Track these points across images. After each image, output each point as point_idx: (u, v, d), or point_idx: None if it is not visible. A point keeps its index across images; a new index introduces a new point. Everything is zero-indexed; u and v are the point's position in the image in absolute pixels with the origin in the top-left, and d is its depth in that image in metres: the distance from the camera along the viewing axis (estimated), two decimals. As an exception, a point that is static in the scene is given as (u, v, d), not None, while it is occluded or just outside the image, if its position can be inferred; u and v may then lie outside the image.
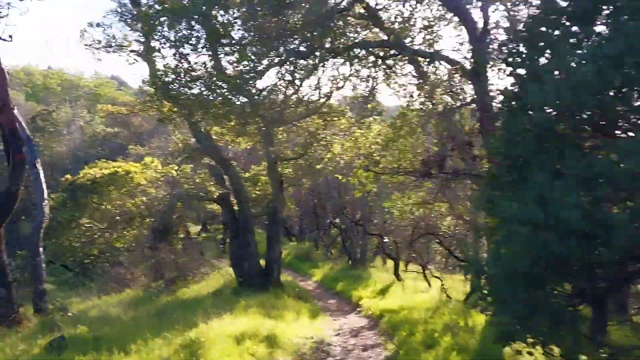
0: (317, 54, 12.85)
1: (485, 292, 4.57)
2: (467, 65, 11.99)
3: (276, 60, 12.24)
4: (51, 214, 15.66)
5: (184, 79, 10.07)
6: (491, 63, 11.53)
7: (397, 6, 12.58)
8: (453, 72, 11.43)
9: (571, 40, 3.96)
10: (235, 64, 11.10)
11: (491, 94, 10.99)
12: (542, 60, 4.37)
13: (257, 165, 19.63)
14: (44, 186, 12.41)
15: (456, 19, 12.40)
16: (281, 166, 17.24)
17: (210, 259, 20.79)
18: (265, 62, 11.25)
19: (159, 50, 11.50)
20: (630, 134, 4.11)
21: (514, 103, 4.91)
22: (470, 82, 11.58)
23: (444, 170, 8.53)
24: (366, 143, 13.85)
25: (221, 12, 10.52)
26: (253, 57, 10.40)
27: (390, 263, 21.67)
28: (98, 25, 15.31)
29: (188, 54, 11.39)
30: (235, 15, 11.13)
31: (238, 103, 12.28)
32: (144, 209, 14.47)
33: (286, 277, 18.76)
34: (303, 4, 11.09)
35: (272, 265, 14.65)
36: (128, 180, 15.85)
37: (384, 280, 16.78)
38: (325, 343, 9.70)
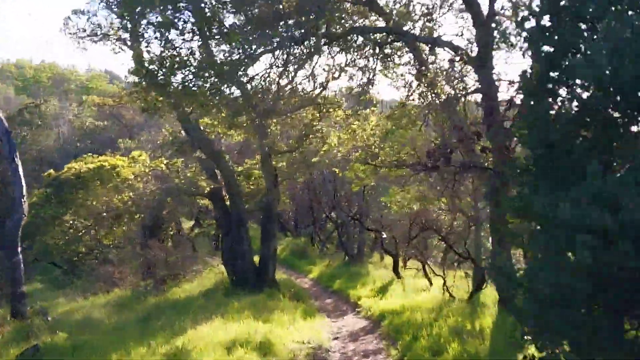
0: (312, 40, 12.15)
1: (527, 319, 3.82)
2: (471, 52, 11.37)
3: (268, 46, 11.55)
4: (33, 211, 14.96)
5: (169, 66, 9.33)
6: (498, 46, 10.88)
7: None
8: (456, 59, 10.74)
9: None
10: (225, 50, 10.39)
11: (499, 82, 10.38)
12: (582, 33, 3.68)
13: (250, 158, 18.90)
14: (23, 181, 11.66)
15: (459, 2, 11.72)
16: (275, 159, 16.54)
17: (203, 256, 20.09)
18: (256, 47, 10.54)
19: (143, 36, 10.76)
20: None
21: (542, 83, 4.22)
22: (474, 70, 10.92)
23: (451, 163, 7.88)
24: (364, 135, 13.16)
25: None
26: (243, 41, 9.64)
27: (388, 259, 21.09)
28: (82, 12, 14.53)
29: (174, 40, 10.69)
30: (225, -2, 10.40)
31: (228, 92, 11.59)
32: (131, 204, 13.74)
33: (281, 275, 18.12)
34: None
35: (267, 263, 13.99)
36: (114, 175, 15.11)
37: (383, 277, 16.16)
38: (323, 349, 9.07)
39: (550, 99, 4.31)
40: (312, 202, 27.48)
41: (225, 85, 10.19)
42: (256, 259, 14.74)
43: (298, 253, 23.98)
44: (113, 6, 14.16)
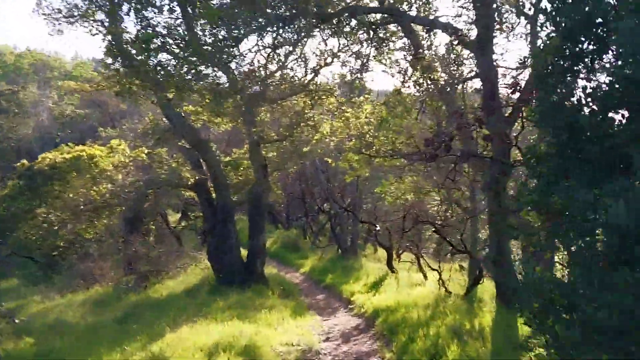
0: (302, 21, 11.40)
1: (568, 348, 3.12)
2: (469, 35, 10.69)
3: (254, 26, 10.76)
4: (5, 204, 14.16)
5: (145, 46, 8.54)
6: (500, 27, 10.22)
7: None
8: (454, 41, 10.05)
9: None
10: (207, 30, 9.60)
11: (498, 68, 9.72)
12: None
13: (239, 148, 18.13)
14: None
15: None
16: (265, 149, 15.81)
17: (190, 250, 19.35)
18: (241, 27, 9.76)
19: (119, 14, 9.94)
20: None
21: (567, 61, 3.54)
22: (473, 53, 10.24)
23: (452, 152, 7.23)
24: (357, 123, 12.46)
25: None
26: (226, 20, 8.86)
27: (382, 252, 20.52)
28: (57, -9, 13.62)
29: (152, 19, 9.88)
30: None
31: (211, 75, 10.81)
32: (109, 197, 12.96)
33: (271, 270, 17.47)
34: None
35: (255, 259, 13.32)
36: (92, 166, 14.29)
37: (377, 271, 15.56)
38: (313, 351, 8.44)
39: (570, 77, 3.66)
40: (304, 193, 26.84)
41: (206, 67, 9.38)
42: (245, 253, 14.08)
43: (289, 246, 23.33)
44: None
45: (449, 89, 9.65)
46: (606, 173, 2.91)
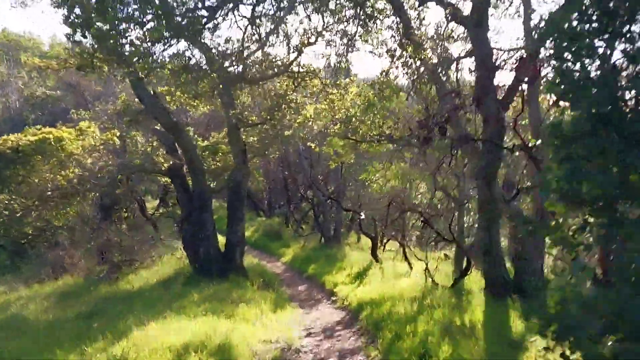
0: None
1: None
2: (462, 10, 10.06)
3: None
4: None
5: (109, 16, 7.69)
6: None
7: None
8: (448, 15, 9.42)
9: None
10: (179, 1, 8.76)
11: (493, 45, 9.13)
12: None
13: (219, 132, 17.32)
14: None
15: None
16: (245, 133, 15.05)
17: (166, 239, 18.56)
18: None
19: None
20: None
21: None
22: (468, 30, 9.63)
23: (447, 135, 6.66)
24: (343, 106, 11.79)
25: None
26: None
27: (366, 240, 20.04)
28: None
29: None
30: None
31: (185, 52, 10.02)
32: (76, 182, 12.11)
33: (252, 259, 16.84)
34: None
35: (234, 249, 12.65)
36: (59, 149, 13.37)
37: (360, 261, 15.05)
38: (292, 349, 7.86)
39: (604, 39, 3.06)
40: (287, 180, 26.17)
41: (177, 41, 8.57)
42: (223, 242, 13.39)
43: (271, 234, 22.69)
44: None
45: (440, 69, 9.05)
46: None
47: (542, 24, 3.78)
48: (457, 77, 8.76)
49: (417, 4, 10.25)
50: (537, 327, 6.67)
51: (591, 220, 2.91)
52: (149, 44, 7.88)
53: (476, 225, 17.02)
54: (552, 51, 3.46)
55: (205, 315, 8.59)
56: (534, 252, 10.27)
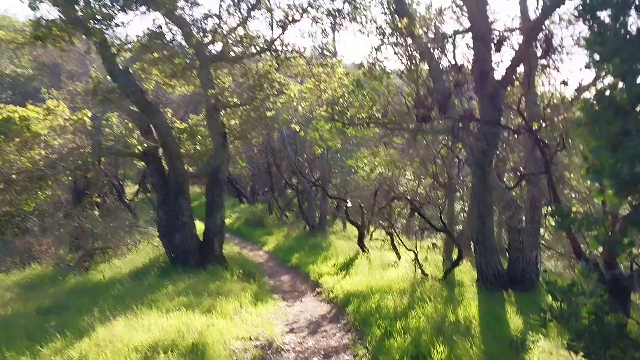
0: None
1: None
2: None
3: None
4: None
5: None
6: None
7: None
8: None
9: None
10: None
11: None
12: None
13: (198, 114, 16.44)
14: None
15: None
16: (226, 116, 14.24)
17: (145, 225, 17.73)
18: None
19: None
20: None
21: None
22: (463, 2, 8.97)
23: (448, 115, 6.02)
24: (329, 86, 11.07)
25: None
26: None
27: (351, 228, 19.50)
28: None
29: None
30: None
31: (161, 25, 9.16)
32: (42, 165, 11.20)
33: (233, 248, 16.18)
34: None
35: (212, 238, 11.93)
36: (24, 129, 12.44)
37: (347, 250, 14.50)
38: (273, 347, 7.25)
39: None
40: (271, 166, 25.42)
41: (148, 9, 7.73)
42: (202, 228, 12.65)
43: (254, 222, 21.99)
44: None
45: (435, 47, 8.38)
46: None
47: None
48: (454, 54, 8.11)
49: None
50: (537, 324, 6.13)
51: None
52: (113, 6, 7.02)
53: (465, 214, 16.59)
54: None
55: (179, 310, 7.90)
56: (529, 242, 9.80)
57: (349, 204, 15.74)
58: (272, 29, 11.51)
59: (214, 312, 8.24)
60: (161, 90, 18.08)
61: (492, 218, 9.53)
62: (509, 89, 8.11)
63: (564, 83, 5.52)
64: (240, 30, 12.63)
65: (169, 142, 11.75)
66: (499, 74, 8.29)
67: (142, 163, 15.60)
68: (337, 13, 12.36)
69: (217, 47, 13.11)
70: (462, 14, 8.78)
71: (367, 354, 6.73)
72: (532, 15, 8.36)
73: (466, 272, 11.33)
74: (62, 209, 16.90)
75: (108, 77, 12.05)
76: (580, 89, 9.57)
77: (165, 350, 6.18)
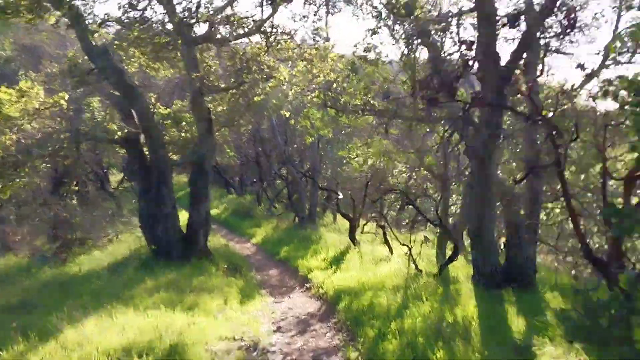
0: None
1: None
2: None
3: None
4: None
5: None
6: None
7: None
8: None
9: None
10: None
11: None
12: None
13: (183, 100, 15.75)
14: None
15: None
16: (213, 103, 13.60)
17: (129, 215, 17.07)
18: None
19: None
20: None
21: None
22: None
23: (456, 97, 5.50)
24: (322, 69, 10.48)
25: None
26: None
27: (341, 220, 19.02)
28: None
29: None
30: None
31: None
32: (14, 150, 10.51)
33: (219, 240, 15.62)
34: None
35: (197, 230, 11.36)
36: (-5, 113, 11.68)
37: (337, 244, 14.01)
38: (259, 349, 6.74)
39: None
40: (260, 156, 24.80)
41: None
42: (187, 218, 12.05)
43: (242, 213, 21.41)
44: None
45: (437, 29, 7.83)
46: None
47: None
48: (458, 34, 7.55)
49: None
50: (542, 327, 5.67)
51: None
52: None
53: (458, 207, 16.16)
54: None
55: (158, 307, 7.35)
56: (527, 238, 9.36)
57: (340, 196, 15.23)
58: (262, 8, 10.85)
59: (196, 310, 7.71)
60: (146, 75, 17.33)
61: (491, 212, 9.07)
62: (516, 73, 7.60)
63: (581, 67, 5.02)
64: (228, 10, 11.98)
65: (150, 128, 11.11)
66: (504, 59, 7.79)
67: (124, 150, 14.92)
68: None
69: (203, 28, 12.48)
70: None
71: (360, 358, 6.26)
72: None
73: (460, 268, 10.89)
74: (40, 197, 16.15)
75: (86, 57, 11.35)
76: (591, 74, 9.10)
77: (140, 353, 5.64)
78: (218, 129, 13.76)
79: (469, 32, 8.93)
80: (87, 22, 10.64)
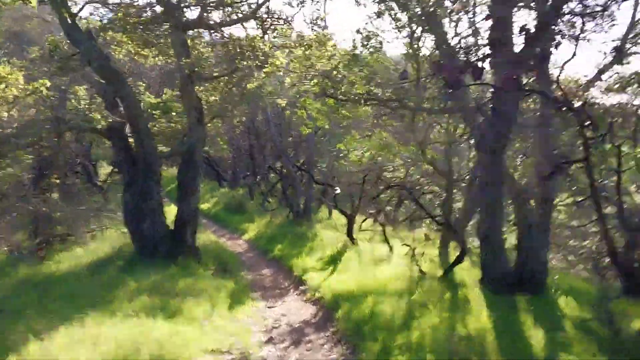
0: None
1: None
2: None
3: None
4: None
5: None
6: None
7: None
8: None
9: None
10: None
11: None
12: None
13: (173, 89, 14.93)
14: None
15: None
16: (204, 92, 12.81)
17: (117, 210, 16.25)
18: None
19: None
20: None
21: None
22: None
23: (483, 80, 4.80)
24: (321, 56, 9.74)
25: None
26: None
27: (337, 215, 18.34)
28: None
29: None
30: None
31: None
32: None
33: (209, 236, 14.90)
34: None
35: (184, 226, 10.63)
36: (-32, 99, 10.87)
37: (334, 242, 13.31)
38: (249, 363, 6.06)
39: None
40: (253, 148, 24.02)
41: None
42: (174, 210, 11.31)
43: (234, 207, 20.66)
44: None
45: (446, 13, 7.11)
46: None
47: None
48: (474, 18, 6.78)
49: None
50: (566, 343, 4.97)
51: None
52: None
53: (459, 204, 15.51)
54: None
55: (137, 315, 6.63)
56: (539, 239, 8.73)
57: (338, 191, 14.52)
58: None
59: (180, 317, 7.01)
60: (136, 64, 16.48)
61: (502, 212, 8.43)
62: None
63: (618, 50, 4.34)
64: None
65: (137, 117, 10.33)
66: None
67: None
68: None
69: (195, 13, 11.69)
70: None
71: (363, 376, 5.60)
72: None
73: (466, 270, 10.24)
74: (21, 190, 15.33)
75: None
76: (603, 69, 8.43)
77: (112, 372, 4.94)
78: (210, 120, 12.99)
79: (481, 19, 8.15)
80: (68, 2, 9.82)
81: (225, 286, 9.19)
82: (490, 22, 6.69)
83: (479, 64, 4.59)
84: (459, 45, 6.36)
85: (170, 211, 12.13)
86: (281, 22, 11.10)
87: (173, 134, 12.58)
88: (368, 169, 13.95)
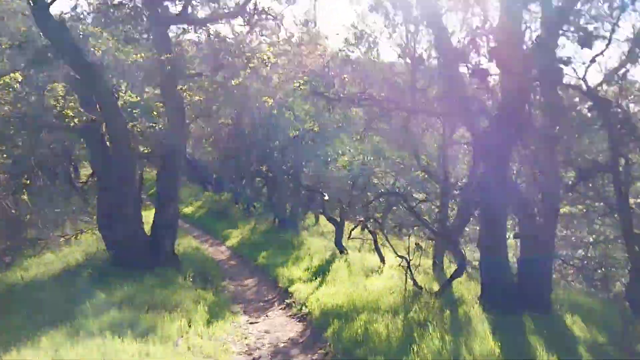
0: None
1: None
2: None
3: None
4: None
5: None
6: None
7: None
8: None
9: None
10: None
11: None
12: None
13: (154, 87, 14.18)
14: None
15: None
16: (189, 93, 12.11)
17: (84, 215, 15.40)
18: None
19: None
20: None
21: None
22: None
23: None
24: (310, 55, 9.16)
25: None
26: None
27: (324, 222, 17.71)
28: None
29: None
30: None
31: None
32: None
33: (191, 242, 14.15)
34: None
35: (162, 234, 9.90)
36: None
37: (322, 250, 12.68)
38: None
39: None
40: (239, 151, 23.23)
41: None
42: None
43: (217, 213, 19.92)
44: None
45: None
46: None
47: None
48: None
49: None
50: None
51: None
52: None
53: (455, 212, 14.99)
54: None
55: (103, 334, 5.90)
56: (543, 251, 8.22)
57: (326, 197, 13.90)
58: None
59: (152, 336, 6.28)
60: (119, 62, 15.71)
61: (505, 223, 7.90)
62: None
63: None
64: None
65: (113, 116, 9.58)
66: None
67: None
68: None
69: (179, 8, 11.03)
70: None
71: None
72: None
73: (463, 283, 9.69)
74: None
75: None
76: (611, 72, 7.96)
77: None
78: (193, 120, 12.29)
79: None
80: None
81: (205, 298, 8.49)
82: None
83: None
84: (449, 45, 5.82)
85: (151, 216, 11.41)
86: (269, 18, 10.52)
87: (154, 135, 11.84)
88: (357, 174, 13.39)
